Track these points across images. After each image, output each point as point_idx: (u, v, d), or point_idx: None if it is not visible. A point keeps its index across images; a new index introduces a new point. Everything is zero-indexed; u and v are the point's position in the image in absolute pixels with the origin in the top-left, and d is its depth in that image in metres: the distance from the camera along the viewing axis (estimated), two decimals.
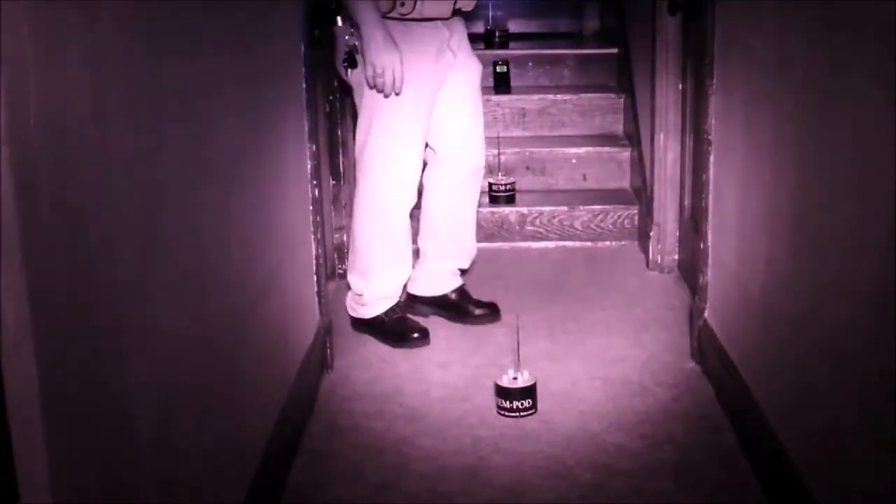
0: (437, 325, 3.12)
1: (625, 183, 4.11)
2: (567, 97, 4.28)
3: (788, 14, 2.01)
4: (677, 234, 3.54)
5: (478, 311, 3.13)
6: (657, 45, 3.46)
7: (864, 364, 1.64)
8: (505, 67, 4.40)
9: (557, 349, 2.93)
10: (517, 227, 3.87)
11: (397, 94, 2.77)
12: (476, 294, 3.20)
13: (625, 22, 4.26)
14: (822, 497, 1.84)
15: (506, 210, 3.88)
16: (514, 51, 4.68)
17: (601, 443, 2.39)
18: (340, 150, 3.49)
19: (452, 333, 3.07)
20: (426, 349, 2.96)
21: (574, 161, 4.07)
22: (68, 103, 1.13)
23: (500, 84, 4.39)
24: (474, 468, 2.29)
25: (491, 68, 4.41)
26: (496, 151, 4.05)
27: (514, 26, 5.12)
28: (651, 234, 3.58)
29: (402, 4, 2.79)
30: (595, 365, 2.82)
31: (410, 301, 3.16)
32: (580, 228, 3.85)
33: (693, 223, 3.27)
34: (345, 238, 3.55)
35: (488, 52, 4.64)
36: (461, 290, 3.17)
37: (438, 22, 2.89)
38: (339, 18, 2.82)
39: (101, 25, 1.22)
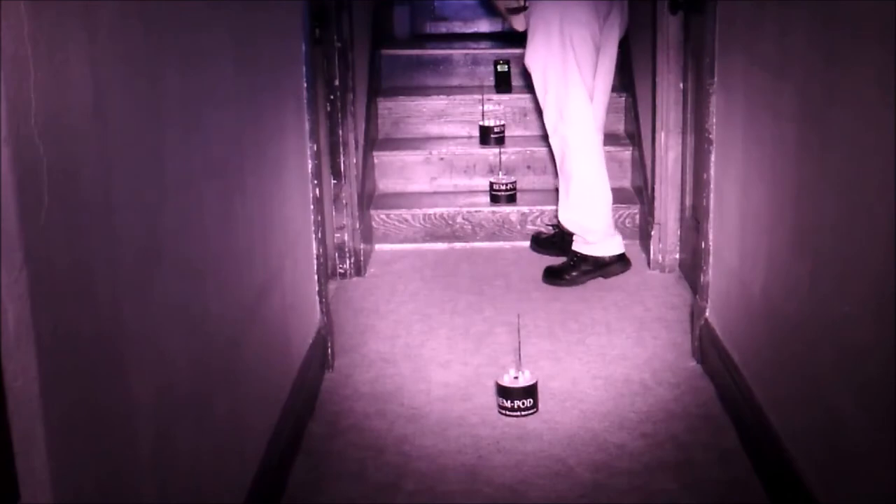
0: (436, 324, 3.12)
1: (626, 182, 4.11)
2: None
3: (789, 13, 2.01)
4: (678, 233, 3.54)
5: None
6: (658, 43, 3.45)
7: (866, 363, 1.64)
8: (506, 67, 4.40)
9: (558, 348, 2.93)
10: (518, 227, 3.87)
11: None
12: (477, 293, 3.20)
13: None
14: (824, 496, 1.84)
15: (507, 209, 3.88)
16: (515, 49, 4.67)
17: (602, 442, 2.39)
18: (341, 150, 3.49)
19: (453, 333, 3.07)
20: (426, 348, 2.96)
21: None
22: (68, 103, 1.13)
23: (501, 83, 4.39)
24: (475, 467, 2.29)
25: (492, 67, 4.42)
26: (497, 150, 4.05)
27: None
28: (652, 233, 3.58)
29: None
30: (596, 364, 2.82)
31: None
32: None
33: (694, 222, 3.27)
34: (345, 237, 3.56)
35: (489, 51, 4.64)
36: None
37: None
38: None
39: (101, 25, 1.22)
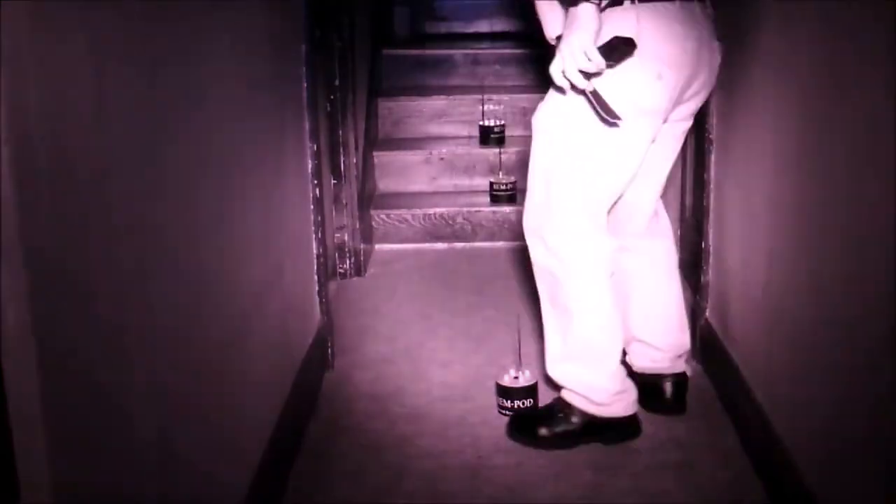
0: (436, 324, 3.12)
1: None
2: None
3: (790, 12, 2.01)
4: (678, 232, 3.53)
5: None
6: None
7: (866, 362, 1.63)
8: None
9: None
10: (518, 227, 3.85)
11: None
12: (477, 293, 3.19)
13: None
14: (824, 496, 1.84)
15: (507, 209, 3.88)
16: (515, 49, 4.68)
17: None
18: (341, 150, 3.49)
19: (453, 333, 3.07)
20: (426, 348, 2.96)
21: None
22: (68, 103, 1.13)
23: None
24: (475, 467, 2.29)
25: (492, 67, 4.42)
26: (497, 150, 4.05)
27: (510, 25, 5.13)
28: None
29: None
30: None
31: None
32: None
33: (694, 222, 3.27)
34: (345, 237, 3.55)
35: (489, 51, 4.65)
36: None
37: None
38: None
39: (101, 25, 1.22)
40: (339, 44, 3.41)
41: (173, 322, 1.48)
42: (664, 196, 2.51)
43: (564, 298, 2.29)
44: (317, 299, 2.72)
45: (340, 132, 3.47)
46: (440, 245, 3.91)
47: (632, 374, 2.46)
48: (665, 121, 2.22)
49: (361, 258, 3.62)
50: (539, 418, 2.39)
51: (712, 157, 2.65)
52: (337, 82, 3.39)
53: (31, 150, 1.02)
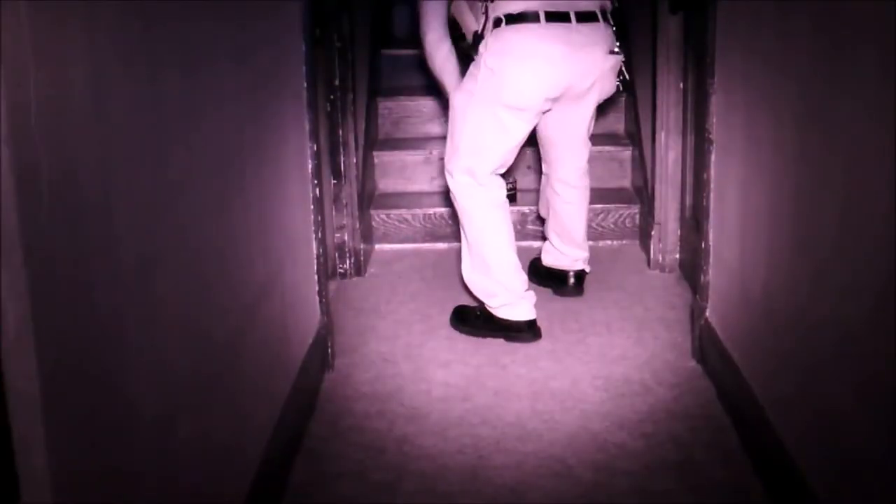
0: (436, 324, 3.12)
1: (626, 182, 4.11)
2: None
3: (789, 13, 2.01)
4: (678, 233, 3.54)
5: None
6: (658, 43, 3.46)
7: (866, 363, 1.64)
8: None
9: (558, 348, 2.93)
10: (518, 227, 3.86)
11: None
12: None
13: (625, 20, 4.26)
14: (824, 496, 1.84)
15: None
16: None
17: (602, 442, 2.39)
18: (341, 150, 3.49)
19: (453, 333, 3.07)
20: (426, 348, 2.96)
21: None
22: (68, 103, 1.13)
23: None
24: (475, 468, 2.29)
25: None
26: None
27: None
28: (652, 233, 3.58)
29: None
30: (596, 364, 2.82)
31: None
32: None
33: (694, 222, 3.27)
34: (345, 237, 3.55)
35: None
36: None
37: None
38: None
39: (101, 25, 1.22)
40: (339, 44, 3.41)
41: (173, 322, 1.48)
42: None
43: (464, 225, 3.07)
44: (317, 299, 2.72)
45: (340, 132, 3.47)
46: (440, 245, 3.91)
47: (545, 269, 3.43)
48: (542, 112, 3.02)
49: (361, 258, 3.62)
50: (463, 314, 3.14)
51: (712, 157, 2.65)
52: (337, 82, 3.39)
53: (31, 150, 1.02)
